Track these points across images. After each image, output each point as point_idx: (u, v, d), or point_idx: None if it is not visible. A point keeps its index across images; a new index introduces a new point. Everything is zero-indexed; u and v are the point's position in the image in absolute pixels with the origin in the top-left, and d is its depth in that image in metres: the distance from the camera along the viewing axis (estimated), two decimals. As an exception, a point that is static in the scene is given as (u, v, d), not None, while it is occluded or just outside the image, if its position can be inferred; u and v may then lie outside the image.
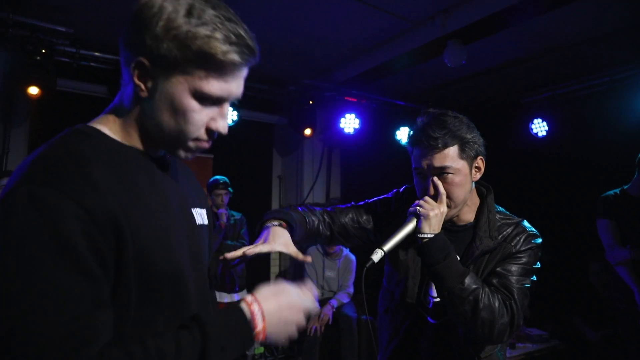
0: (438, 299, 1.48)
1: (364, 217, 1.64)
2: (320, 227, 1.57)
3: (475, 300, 1.33)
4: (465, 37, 3.53)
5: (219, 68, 0.82)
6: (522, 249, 1.45)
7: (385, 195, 1.72)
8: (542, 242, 1.50)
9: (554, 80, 4.70)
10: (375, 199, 1.72)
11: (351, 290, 4.62)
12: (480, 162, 1.49)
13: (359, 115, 4.82)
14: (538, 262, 1.49)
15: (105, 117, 0.90)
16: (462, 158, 1.43)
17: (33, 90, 3.48)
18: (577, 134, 4.68)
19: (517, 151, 4.98)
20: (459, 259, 1.45)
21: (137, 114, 0.87)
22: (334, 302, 4.35)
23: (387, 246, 1.37)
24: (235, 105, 4.73)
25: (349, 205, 1.69)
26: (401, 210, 1.56)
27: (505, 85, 4.99)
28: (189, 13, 0.79)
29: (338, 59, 4.46)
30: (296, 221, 1.45)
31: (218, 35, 0.80)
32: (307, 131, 4.82)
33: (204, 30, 0.79)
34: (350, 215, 1.63)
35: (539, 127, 4.84)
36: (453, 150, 1.42)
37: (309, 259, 1.32)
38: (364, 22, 3.63)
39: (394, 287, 1.59)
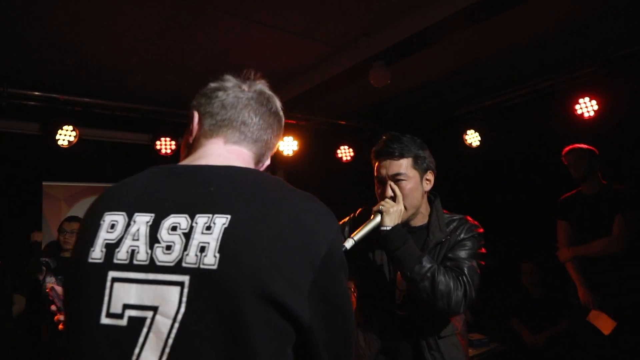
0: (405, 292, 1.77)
1: None
2: None
3: (433, 277, 1.62)
4: (389, 57, 3.69)
5: None
6: (466, 236, 1.78)
7: (342, 221, 2.00)
8: (482, 232, 1.83)
9: (483, 92, 4.94)
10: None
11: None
12: (430, 175, 1.84)
13: (298, 136, 4.90)
14: (482, 248, 1.81)
15: None
16: (414, 168, 1.78)
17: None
18: (508, 142, 4.92)
19: (454, 161, 5.18)
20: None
21: None
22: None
23: (357, 236, 1.66)
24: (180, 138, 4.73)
25: None
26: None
27: (439, 99, 5.20)
28: None
29: (274, 84, 4.53)
30: None
31: None
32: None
33: None
34: None
35: (473, 138, 5.06)
36: (407, 161, 1.77)
37: None
38: (292, 49, 3.75)
39: (370, 289, 1.88)
